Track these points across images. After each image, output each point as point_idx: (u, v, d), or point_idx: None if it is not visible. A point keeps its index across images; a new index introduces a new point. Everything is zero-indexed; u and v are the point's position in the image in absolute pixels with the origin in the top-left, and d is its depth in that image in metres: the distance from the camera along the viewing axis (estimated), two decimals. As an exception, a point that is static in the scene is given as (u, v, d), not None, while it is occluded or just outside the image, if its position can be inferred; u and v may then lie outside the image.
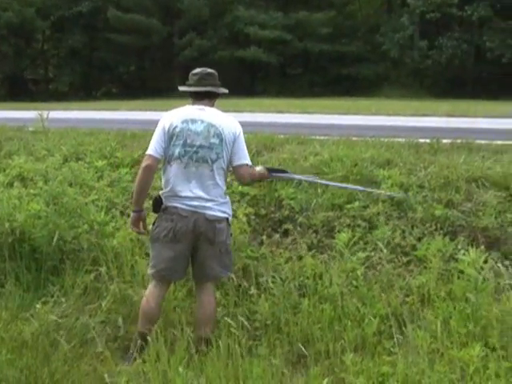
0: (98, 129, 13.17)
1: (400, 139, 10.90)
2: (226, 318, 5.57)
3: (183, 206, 5.42)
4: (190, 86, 5.79)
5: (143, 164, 5.44)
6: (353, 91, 48.38)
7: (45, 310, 5.88)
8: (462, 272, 5.77)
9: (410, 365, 4.83)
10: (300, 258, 6.64)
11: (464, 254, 5.82)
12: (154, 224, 5.62)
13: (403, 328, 5.44)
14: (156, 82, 57.45)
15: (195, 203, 5.43)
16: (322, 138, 11.40)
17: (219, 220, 5.53)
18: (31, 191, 7.86)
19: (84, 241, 6.87)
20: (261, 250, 6.85)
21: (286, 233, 7.47)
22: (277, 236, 7.38)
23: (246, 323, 5.64)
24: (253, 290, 6.07)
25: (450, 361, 4.89)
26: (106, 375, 5.02)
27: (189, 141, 5.44)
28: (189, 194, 5.43)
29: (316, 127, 16.15)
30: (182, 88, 5.90)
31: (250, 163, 5.77)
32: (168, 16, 55.98)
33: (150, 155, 5.44)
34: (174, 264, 5.54)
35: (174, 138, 5.46)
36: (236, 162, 5.65)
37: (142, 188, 5.52)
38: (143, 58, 59.82)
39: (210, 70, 5.85)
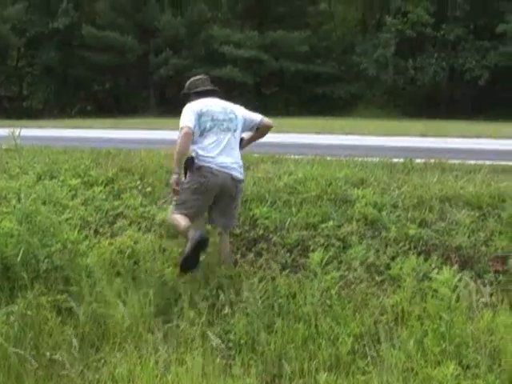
0: (73, 147, 13.14)
1: (374, 159, 10.96)
2: (199, 338, 5.55)
3: (216, 167, 6.77)
4: (196, 87, 7.28)
5: (183, 132, 6.72)
6: (327, 111, 48.49)
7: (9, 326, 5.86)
8: (435, 291, 5.79)
9: (384, 384, 4.83)
10: (274, 277, 6.63)
11: (437, 273, 5.84)
12: (185, 178, 6.89)
13: (377, 347, 5.45)
14: (131, 100, 57.34)
15: (225, 164, 6.84)
16: (296, 157, 11.44)
17: (240, 180, 7.11)
18: (4, 209, 7.77)
19: (57, 260, 6.81)
20: (235, 269, 6.85)
21: (260, 252, 7.47)
22: (251, 255, 7.39)
23: (220, 342, 5.64)
24: (227, 310, 6.06)
25: (425, 379, 4.91)
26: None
27: (214, 116, 6.94)
28: (221, 157, 6.83)
29: (291, 146, 16.18)
30: (197, 90, 7.26)
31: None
32: (144, 34, 55.85)
33: (187, 126, 6.76)
34: (200, 208, 6.97)
35: (203, 116, 6.89)
36: (257, 123, 7.33)
37: (183, 150, 6.80)
38: (118, 76, 59.53)
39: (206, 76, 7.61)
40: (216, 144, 6.85)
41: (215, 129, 6.90)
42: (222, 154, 6.84)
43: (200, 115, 6.87)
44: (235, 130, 7.06)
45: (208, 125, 6.88)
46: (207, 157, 6.79)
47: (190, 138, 6.78)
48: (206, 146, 6.84)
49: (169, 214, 7.18)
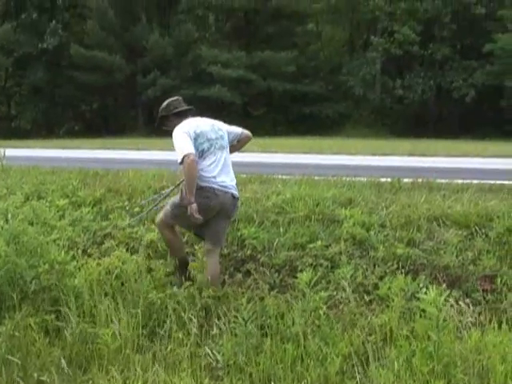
0: (60, 167, 13.12)
1: (362, 178, 10.98)
2: (188, 359, 5.53)
3: (218, 187, 6.87)
4: (175, 108, 7.26)
5: (189, 160, 6.57)
6: (315, 130, 48.63)
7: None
8: (423, 310, 5.78)
9: (372, 404, 4.81)
10: (262, 297, 6.61)
11: (425, 293, 5.83)
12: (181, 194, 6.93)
13: (366, 367, 5.43)
14: (119, 120, 57.36)
15: (225, 184, 6.95)
16: (284, 177, 11.46)
17: (238, 198, 7.25)
18: (-9, 230, 7.77)
19: (44, 280, 6.79)
20: (223, 289, 6.83)
21: (248, 272, 7.46)
22: (239, 275, 7.38)
23: (210, 361, 5.62)
24: (215, 330, 6.03)
25: (413, 400, 4.89)
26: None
27: (208, 136, 6.96)
28: (221, 176, 6.92)
29: (278, 166, 16.21)
30: (176, 111, 7.24)
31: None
32: (132, 54, 55.89)
33: (190, 153, 6.63)
34: (191, 225, 7.11)
35: (198, 138, 6.89)
36: (238, 135, 7.47)
37: (194, 179, 6.67)
38: (106, 96, 59.50)
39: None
40: (215, 164, 6.94)
41: (212, 149, 6.96)
42: (222, 174, 6.97)
43: (195, 138, 6.89)
44: (227, 147, 7.19)
45: (205, 146, 6.93)
46: (209, 177, 6.87)
47: (196, 165, 6.71)
48: (206, 167, 6.89)
49: (160, 220, 7.30)
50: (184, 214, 6.70)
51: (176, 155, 6.76)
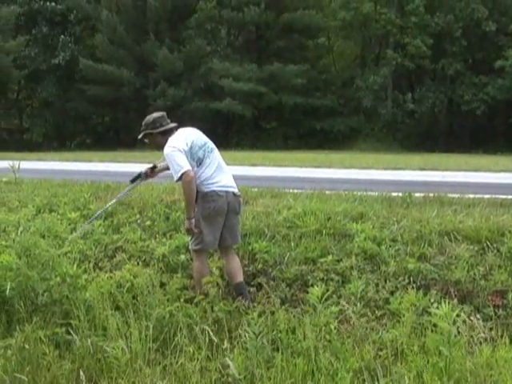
0: (72, 180, 13.16)
1: (373, 193, 10.96)
2: (198, 373, 5.52)
3: (218, 188, 7.10)
4: (161, 126, 7.40)
5: (187, 179, 6.87)
6: (326, 144, 48.71)
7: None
8: (434, 326, 5.75)
9: (383, 420, 4.79)
10: (273, 311, 6.59)
11: (437, 308, 5.80)
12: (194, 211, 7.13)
13: (377, 382, 5.41)
14: (130, 133, 57.38)
15: (224, 183, 7.18)
16: (295, 191, 11.46)
17: (240, 195, 7.46)
18: (3, 243, 7.76)
19: (56, 293, 6.79)
20: (234, 303, 6.82)
21: (259, 286, 7.45)
22: (250, 289, 7.37)
23: (225, 373, 5.61)
24: (226, 345, 6.01)
25: (424, 416, 4.86)
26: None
27: (199, 144, 7.19)
28: (218, 177, 7.16)
29: (290, 180, 16.21)
30: (162, 129, 7.37)
31: None
32: (143, 68, 55.98)
33: (189, 170, 6.89)
34: (216, 235, 7.20)
35: (192, 149, 7.10)
36: None
37: (193, 197, 7.00)
38: (117, 109, 59.60)
39: None
40: (210, 167, 7.19)
41: (206, 153, 7.22)
42: (219, 175, 7.21)
43: (190, 150, 7.10)
44: (215, 147, 7.43)
45: (200, 154, 7.17)
46: (208, 183, 7.11)
47: (194, 180, 6.97)
48: (203, 173, 7.13)
49: (194, 259, 7.45)
50: (208, 225, 7.11)
51: (173, 172, 7.01)
